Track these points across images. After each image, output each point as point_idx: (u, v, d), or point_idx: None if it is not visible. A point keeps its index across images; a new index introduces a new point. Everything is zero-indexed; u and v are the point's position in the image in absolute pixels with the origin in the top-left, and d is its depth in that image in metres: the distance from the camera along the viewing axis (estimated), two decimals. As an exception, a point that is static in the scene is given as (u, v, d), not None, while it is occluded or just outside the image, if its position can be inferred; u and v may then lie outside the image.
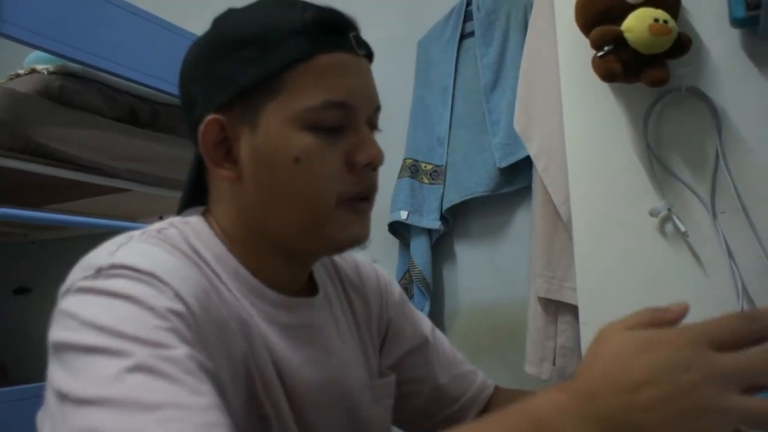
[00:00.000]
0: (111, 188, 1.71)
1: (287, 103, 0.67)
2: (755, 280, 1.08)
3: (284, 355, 0.69)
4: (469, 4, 2.03)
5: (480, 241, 2.03)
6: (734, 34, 1.13)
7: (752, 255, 1.08)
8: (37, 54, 1.68)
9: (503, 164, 1.87)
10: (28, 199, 1.78)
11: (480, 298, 2.01)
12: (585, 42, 1.13)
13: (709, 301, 1.09)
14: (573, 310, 1.46)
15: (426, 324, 0.93)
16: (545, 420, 0.45)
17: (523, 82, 1.62)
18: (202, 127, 0.68)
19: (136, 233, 0.66)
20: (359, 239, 0.71)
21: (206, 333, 0.59)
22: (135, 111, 1.73)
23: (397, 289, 0.92)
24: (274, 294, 0.71)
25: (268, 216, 0.70)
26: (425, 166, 2.02)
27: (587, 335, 1.18)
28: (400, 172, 2.03)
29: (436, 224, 1.97)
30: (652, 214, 1.15)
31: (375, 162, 0.70)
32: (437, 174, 2.00)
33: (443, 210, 1.97)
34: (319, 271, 0.82)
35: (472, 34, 2.00)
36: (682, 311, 0.48)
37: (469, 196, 1.94)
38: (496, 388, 0.94)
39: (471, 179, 1.94)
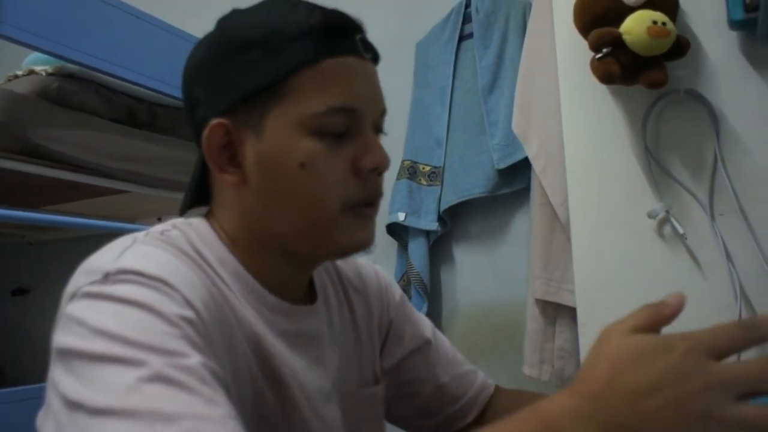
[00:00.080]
0: (109, 189, 1.71)
1: (292, 108, 0.66)
2: (753, 282, 1.08)
3: (285, 360, 0.69)
4: (467, 5, 2.03)
5: (478, 243, 2.03)
6: (732, 37, 1.13)
7: (750, 257, 1.08)
8: (35, 55, 1.68)
9: (501, 165, 1.87)
10: (26, 200, 1.78)
11: (478, 299, 2.01)
12: (583, 44, 1.13)
13: (707, 302, 1.10)
14: (571, 312, 1.46)
15: (427, 324, 0.94)
16: (559, 425, 0.46)
17: (521, 83, 1.62)
18: (206, 132, 0.68)
19: (139, 235, 0.66)
20: (364, 245, 0.71)
21: (214, 338, 0.59)
22: (133, 112, 1.73)
23: (397, 291, 0.92)
24: (274, 299, 0.71)
25: (271, 220, 0.69)
26: (423, 168, 2.02)
27: (586, 337, 1.18)
28: (398, 174, 2.03)
29: (433, 226, 1.96)
30: (651, 215, 1.15)
31: (380, 167, 0.69)
32: (435, 175, 2.00)
33: (440, 211, 1.97)
34: (320, 273, 0.82)
35: (470, 35, 2.01)
36: (679, 304, 0.49)
37: (467, 197, 1.93)
38: (497, 388, 0.94)
39: (469, 180, 1.93)
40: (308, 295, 0.78)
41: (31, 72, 1.57)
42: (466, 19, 2.03)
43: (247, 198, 0.69)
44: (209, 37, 0.72)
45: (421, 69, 2.12)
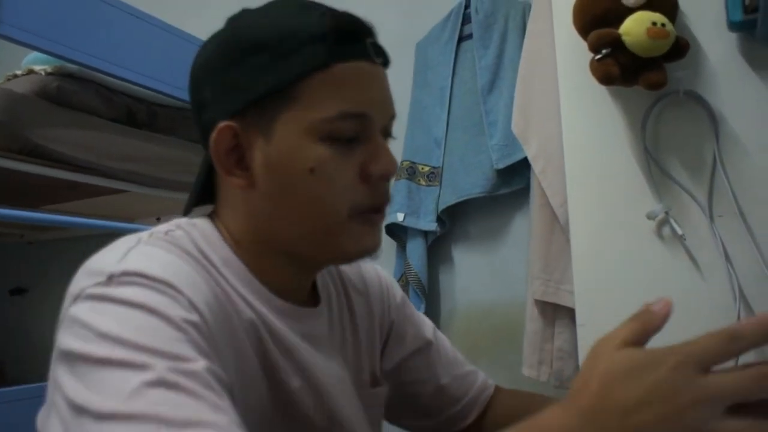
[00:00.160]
0: (108, 189, 1.71)
1: (303, 113, 0.65)
2: (752, 284, 1.08)
3: (298, 357, 0.69)
4: (467, 6, 2.03)
5: (478, 243, 2.03)
6: (732, 38, 1.13)
7: (749, 258, 1.09)
8: (35, 55, 1.68)
9: (500, 166, 1.87)
10: (25, 199, 1.78)
11: (477, 300, 2.01)
12: (583, 45, 1.13)
13: (706, 304, 1.10)
14: (570, 312, 1.46)
15: (428, 325, 0.94)
16: None
17: (520, 84, 1.62)
18: (214, 135, 0.67)
19: (143, 235, 0.65)
20: (370, 251, 0.71)
21: (218, 341, 0.59)
22: (132, 112, 1.73)
23: (399, 292, 0.92)
24: (279, 300, 0.71)
25: (278, 224, 0.69)
26: (422, 168, 2.02)
27: (584, 338, 1.18)
28: (397, 174, 2.03)
29: (432, 226, 1.96)
30: (650, 217, 1.15)
31: (389, 174, 0.69)
32: (434, 176, 2.00)
33: (439, 211, 1.97)
34: (323, 274, 0.81)
35: (470, 36, 2.01)
36: (667, 311, 0.49)
37: (465, 197, 1.93)
38: (497, 389, 0.94)
39: (468, 180, 1.93)
40: (311, 297, 0.78)
41: (31, 71, 1.57)
42: (466, 19, 2.03)
43: (254, 201, 0.69)
44: (218, 37, 0.70)
45: (420, 69, 2.12)
